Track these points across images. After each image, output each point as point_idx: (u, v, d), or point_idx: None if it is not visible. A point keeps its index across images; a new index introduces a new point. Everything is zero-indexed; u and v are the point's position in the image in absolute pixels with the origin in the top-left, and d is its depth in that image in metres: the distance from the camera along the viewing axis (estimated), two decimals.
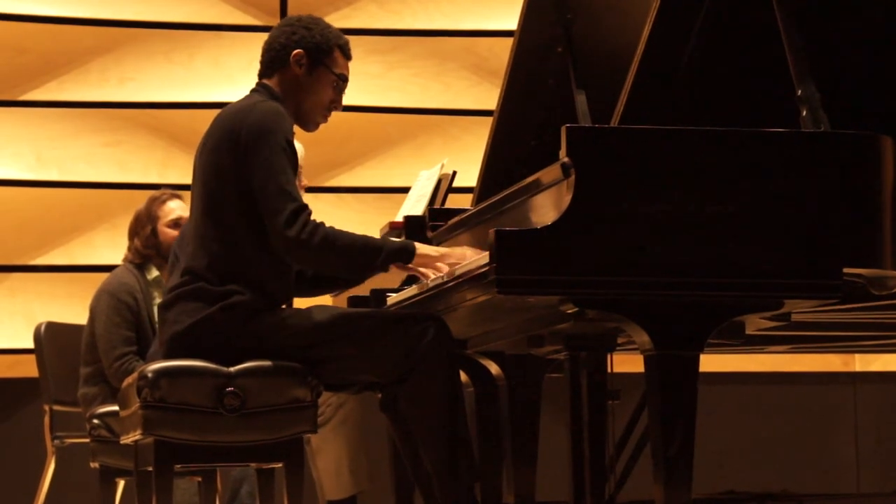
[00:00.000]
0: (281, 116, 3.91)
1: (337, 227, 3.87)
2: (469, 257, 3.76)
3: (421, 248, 3.86)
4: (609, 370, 3.79)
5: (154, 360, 4.40)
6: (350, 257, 3.84)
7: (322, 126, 4.14)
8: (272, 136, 3.85)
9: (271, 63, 4.06)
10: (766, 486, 7.08)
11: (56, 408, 5.74)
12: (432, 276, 3.83)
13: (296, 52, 4.02)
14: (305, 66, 4.03)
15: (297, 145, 5.55)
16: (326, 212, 6.89)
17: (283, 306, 3.96)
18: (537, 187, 3.62)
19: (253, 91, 4.06)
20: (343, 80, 4.08)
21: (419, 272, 3.87)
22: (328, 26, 4.10)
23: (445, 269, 3.78)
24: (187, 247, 3.97)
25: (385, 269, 3.87)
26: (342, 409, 5.43)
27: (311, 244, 3.78)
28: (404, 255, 3.84)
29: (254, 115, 3.89)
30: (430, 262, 3.84)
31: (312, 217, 3.82)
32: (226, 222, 3.88)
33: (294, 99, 4.03)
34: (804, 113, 3.55)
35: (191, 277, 3.88)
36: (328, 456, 5.44)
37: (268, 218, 3.81)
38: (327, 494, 5.45)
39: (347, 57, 4.10)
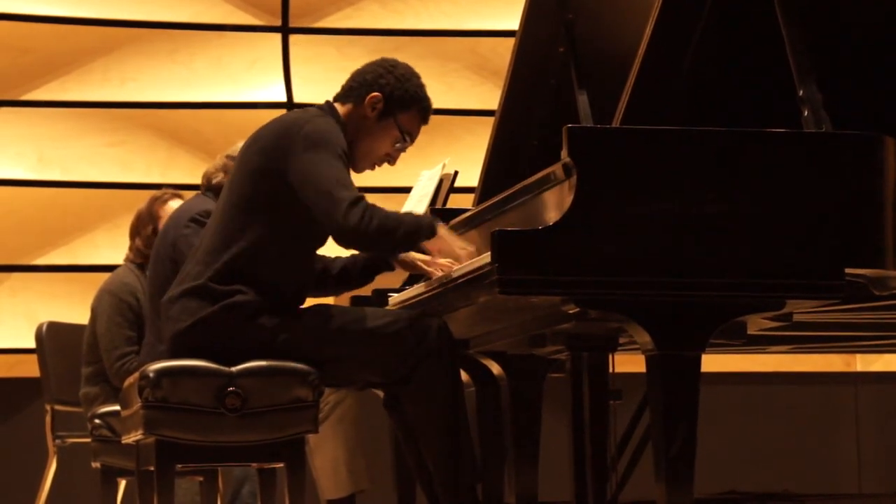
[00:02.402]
0: (338, 132, 3.89)
1: None
2: (466, 257, 3.78)
3: (441, 229, 3.86)
4: (611, 370, 3.79)
5: (150, 352, 4.41)
6: (401, 237, 3.81)
7: None
8: (326, 143, 3.82)
9: (349, 92, 4.03)
10: (768, 486, 7.08)
11: (57, 407, 5.74)
12: (437, 275, 3.84)
13: (374, 94, 3.99)
14: (378, 111, 3.99)
15: None
16: None
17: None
18: (539, 187, 3.62)
19: (319, 106, 4.03)
20: (405, 138, 4.04)
21: (427, 271, 3.91)
22: (420, 87, 4.05)
23: (457, 255, 3.81)
24: (205, 239, 3.96)
25: (421, 242, 3.89)
26: (339, 407, 5.42)
27: (370, 232, 3.74)
28: (430, 231, 3.85)
29: (311, 125, 3.86)
30: (442, 245, 3.86)
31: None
32: (253, 222, 3.86)
33: (353, 136, 3.99)
34: (806, 113, 3.55)
35: (200, 272, 3.87)
36: (325, 455, 5.43)
37: (326, 208, 3.76)
38: (325, 493, 5.45)
39: (424, 121, 4.07)
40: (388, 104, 3.99)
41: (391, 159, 4.07)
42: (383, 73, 4.01)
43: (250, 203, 3.89)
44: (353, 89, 4.02)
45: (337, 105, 4.03)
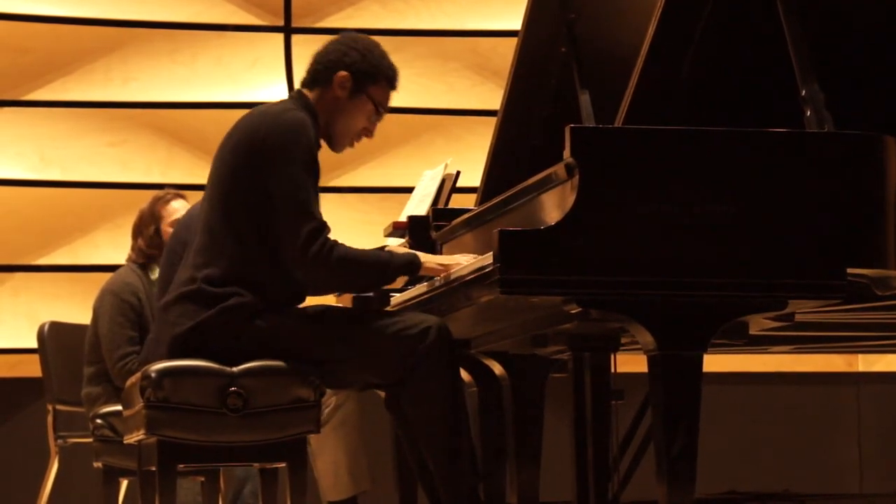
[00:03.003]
0: (307, 128, 3.87)
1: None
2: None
3: (425, 260, 3.88)
4: (613, 370, 3.79)
5: (153, 351, 4.41)
6: (360, 277, 3.88)
7: None
8: (295, 148, 3.82)
9: (316, 76, 4.02)
10: (769, 486, 7.08)
11: (59, 407, 5.73)
12: (442, 275, 3.84)
13: (341, 73, 3.99)
14: (348, 89, 3.99)
15: None
16: (330, 212, 6.82)
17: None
18: (541, 187, 3.62)
19: (290, 97, 4.04)
20: (379, 111, 4.04)
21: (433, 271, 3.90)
22: (383, 55, 4.05)
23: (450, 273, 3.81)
24: (194, 242, 3.96)
25: (390, 283, 3.91)
26: (341, 410, 5.42)
27: (327, 266, 3.78)
28: (411, 269, 3.87)
29: (279, 123, 3.86)
30: (433, 273, 3.87)
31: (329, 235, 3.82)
32: (237, 223, 3.87)
33: (328, 118, 4.00)
34: (808, 113, 3.55)
35: (193, 276, 3.87)
36: (326, 457, 5.43)
37: (285, 235, 3.80)
38: (326, 495, 5.45)
39: (392, 88, 4.07)
40: (357, 80, 4.00)
41: (368, 133, 4.07)
42: (346, 50, 4.01)
43: (230, 202, 3.89)
44: (320, 72, 4.02)
45: (305, 91, 4.03)
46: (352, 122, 4.02)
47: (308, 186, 3.82)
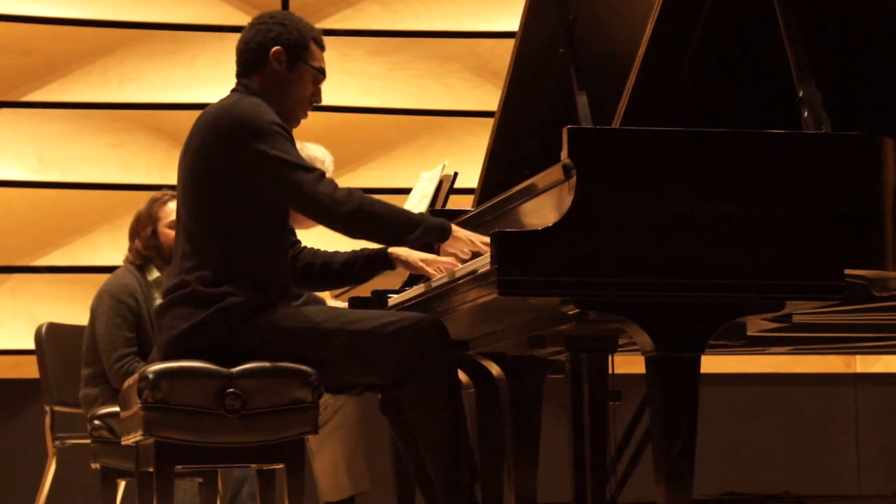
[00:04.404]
0: (264, 107, 3.90)
1: None
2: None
3: (457, 230, 3.85)
4: (610, 371, 3.79)
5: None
6: (387, 223, 3.83)
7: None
8: (262, 125, 3.83)
9: (250, 62, 4.03)
10: (768, 487, 7.09)
11: (57, 409, 5.73)
12: (437, 276, 3.83)
13: (274, 49, 4.00)
14: (285, 62, 4.01)
15: (324, 151, 5.57)
16: None
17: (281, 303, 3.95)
18: (538, 189, 3.62)
19: (233, 90, 4.05)
20: (322, 73, 4.06)
21: (427, 271, 3.88)
22: (301, 20, 4.08)
23: (468, 255, 3.78)
24: (178, 249, 3.96)
25: (418, 243, 3.85)
26: (340, 411, 5.43)
27: (350, 205, 3.77)
28: (440, 233, 3.84)
29: (237, 110, 3.88)
30: (460, 246, 3.84)
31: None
32: (216, 221, 3.87)
33: (277, 96, 4.00)
34: (806, 114, 3.55)
35: (184, 280, 3.87)
36: (325, 458, 5.44)
37: (293, 193, 3.80)
38: (324, 496, 5.45)
39: (322, 48, 4.08)
40: (290, 51, 4.01)
41: (317, 98, 4.07)
42: (268, 28, 4.04)
43: (207, 203, 3.88)
44: (252, 58, 4.04)
45: (245, 81, 4.04)
46: (299, 92, 4.03)
47: (291, 150, 3.84)
